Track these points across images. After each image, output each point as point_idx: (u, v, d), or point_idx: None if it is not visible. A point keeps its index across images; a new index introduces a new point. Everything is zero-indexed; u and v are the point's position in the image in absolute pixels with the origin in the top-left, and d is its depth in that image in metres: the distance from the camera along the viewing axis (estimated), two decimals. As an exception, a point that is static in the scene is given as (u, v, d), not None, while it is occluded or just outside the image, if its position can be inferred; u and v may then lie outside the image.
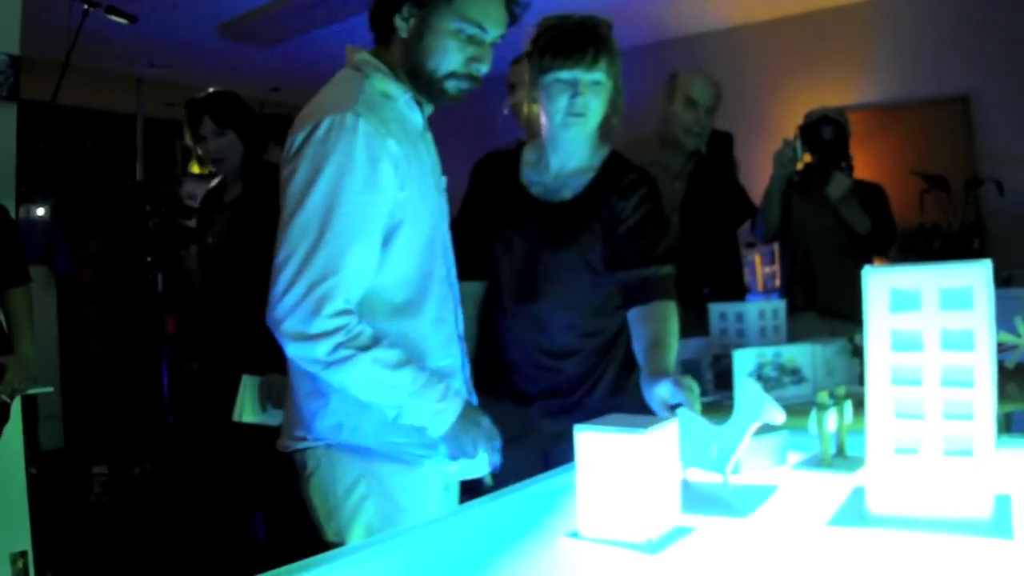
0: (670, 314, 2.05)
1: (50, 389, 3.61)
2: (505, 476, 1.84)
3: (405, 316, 1.74)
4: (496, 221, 2.21)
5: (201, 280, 3.33)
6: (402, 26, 1.73)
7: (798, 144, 3.55)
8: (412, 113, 1.78)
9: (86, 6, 3.94)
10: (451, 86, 1.75)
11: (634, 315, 2.08)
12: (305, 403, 1.77)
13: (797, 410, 1.80)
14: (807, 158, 3.67)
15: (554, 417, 2.18)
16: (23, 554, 3.47)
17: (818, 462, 1.70)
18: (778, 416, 1.44)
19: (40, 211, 5.42)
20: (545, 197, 2.19)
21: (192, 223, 6.41)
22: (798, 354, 2.51)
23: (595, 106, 2.09)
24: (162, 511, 5.01)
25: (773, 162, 3.56)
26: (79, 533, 4.41)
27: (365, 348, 1.60)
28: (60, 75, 3.92)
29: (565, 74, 2.05)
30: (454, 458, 1.73)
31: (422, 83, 1.75)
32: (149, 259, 5.21)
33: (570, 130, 2.12)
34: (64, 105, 4.15)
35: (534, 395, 2.22)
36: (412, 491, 1.76)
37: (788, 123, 4.25)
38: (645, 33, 6.69)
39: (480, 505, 1.57)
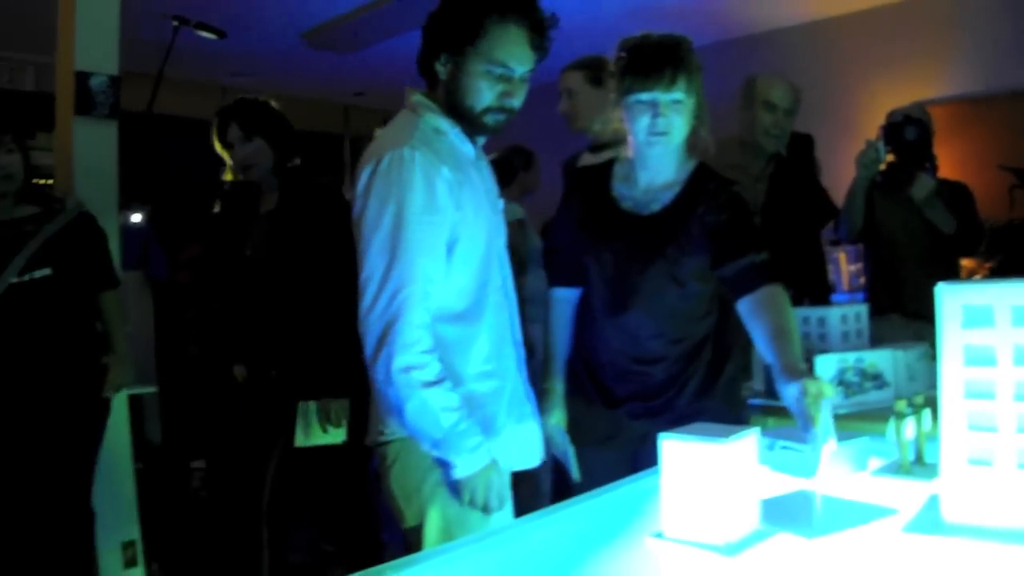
0: (782, 299, 2.09)
1: (153, 389, 3.79)
2: (595, 475, 2.00)
3: (464, 323, 1.93)
4: (588, 234, 2.29)
5: (240, 292, 3.26)
6: (441, 71, 1.95)
7: (880, 145, 3.54)
8: (463, 144, 1.99)
9: (176, 23, 4.11)
10: (488, 120, 1.95)
11: (745, 307, 2.11)
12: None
13: (879, 415, 1.85)
14: (890, 158, 3.66)
15: (642, 419, 2.24)
16: (132, 543, 3.67)
17: (896, 469, 1.74)
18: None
19: (136, 218, 5.61)
20: (634, 211, 2.25)
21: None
22: (880, 359, 2.53)
23: (677, 124, 2.14)
24: (257, 502, 5.20)
25: (856, 164, 3.56)
26: (180, 524, 4.61)
27: (428, 384, 1.80)
28: (154, 88, 4.11)
29: (645, 95, 2.11)
30: (464, 501, 1.87)
31: (464, 119, 1.96)
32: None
33: (654, 148, 2.18)
34: (156, 114, 4.33)
35: (623, 398, 2.28)
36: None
37: (870, 121, 4.24)
38: (721, 31, 6.68)
39: (571, 506, 1.67)
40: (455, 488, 1.86)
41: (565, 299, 2.35)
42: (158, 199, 6.42)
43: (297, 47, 7.04)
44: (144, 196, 5.76)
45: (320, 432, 3.02)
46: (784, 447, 1.79)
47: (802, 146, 3.73)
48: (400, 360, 1.78)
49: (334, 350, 2.95)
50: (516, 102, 1.96)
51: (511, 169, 4.62)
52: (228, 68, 7.61)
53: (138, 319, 4.46)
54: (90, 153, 3.50)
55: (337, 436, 3.03)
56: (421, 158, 1.83)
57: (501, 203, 2.13)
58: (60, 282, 3.06)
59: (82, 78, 3.48)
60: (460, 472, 1.83)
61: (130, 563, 3.69)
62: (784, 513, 1.51)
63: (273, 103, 3.30)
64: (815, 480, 1.61)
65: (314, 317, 3.00)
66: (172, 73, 4.45)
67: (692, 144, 2.24)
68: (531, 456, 2.04)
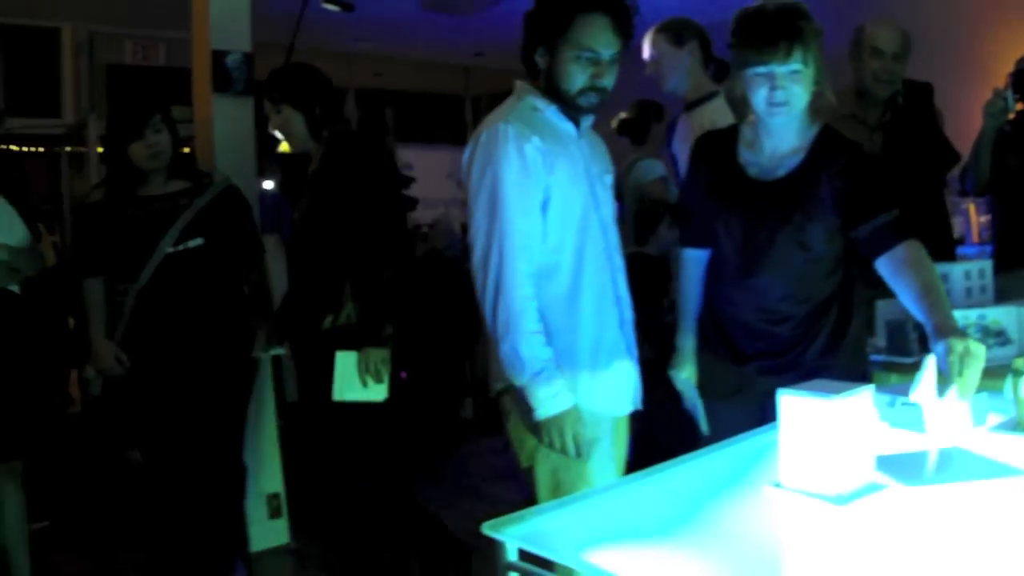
0: (922, 255, 2.12)
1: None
2: (724, 428, 2.10)
3: (564, 279, 2.18)
4: (716, 200, 2.35)
5: (289, 256, 3.35)
6: (539, 61, 2.21)
7: (1009, 94, 3.43)
8: (561, 122, 2.24)
9: (305, -4, 4.27)
10: (583, 101, 2.19)
11: (884, 266, 2.15)
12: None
13: (1001, 372, 1.85)
14: (1020, 107, 3.55)
15: (769, 375, 2.28)
16: (276, 495, 3.90)
17: (1014, 426, 1.76)
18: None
19: (268, 184, 5.85)
20: (760, 177, 2.29)
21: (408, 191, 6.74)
22: (1003, 316, 2.50)
23: (796, 92, 2.16)
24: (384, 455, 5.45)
25: (983, 113, 3.48)
26: (314, 478, 4.85)
27: (522, 330, 2.06)
28: (286, 59, 4.27)
29: (761, 68, 2.14)
30: (544, 443, 2.11)
31: (562, 101, 2.21)
32: None
33: (775, 118, 2.21)
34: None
35: (751, 354, 2.35)
36: (590, 428, 2.14)
37: (999, 69, 4.10)
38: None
39: (699, 456, 1.77)
40: (535, 430, 2.08)
41: (696, 259, 2.44)
42: (288, 164, 6.67)
43: (417, 11, 7.18)
44: (275, 162, 6.00)
45: (359, 387, 2.97)
46: (904, 404, 1.82)
47: (920, 94, 3.66)
48: (502, 307, 2.07)
49: (372, 301, 2.96)
50: (607, 82, 2.18)
51: (644, 126, 4.62)
52: (352, 35, 7.80)
53: (275, 282, 4.68)
54: (228, 128, 3.70)
55: (378, 393, 2.99)
56: (514, 130, 2.11)
57: (609, 178, 2.35)
58: (211, 251, 3.26)
59: (218, 56, 3.68)
60: (539, 414, 2.07)
61: (274, 514, 3.93)
62: (899, 467, 1.56)
63: (312, 67, 3.24)
64: (931, 435, 1.64)
65: (352, 270, 2.99)
66: (298, 42, 4.60)
67: (816, 108, 2.26)
68: (625, 404, 2.30)
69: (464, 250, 6.78)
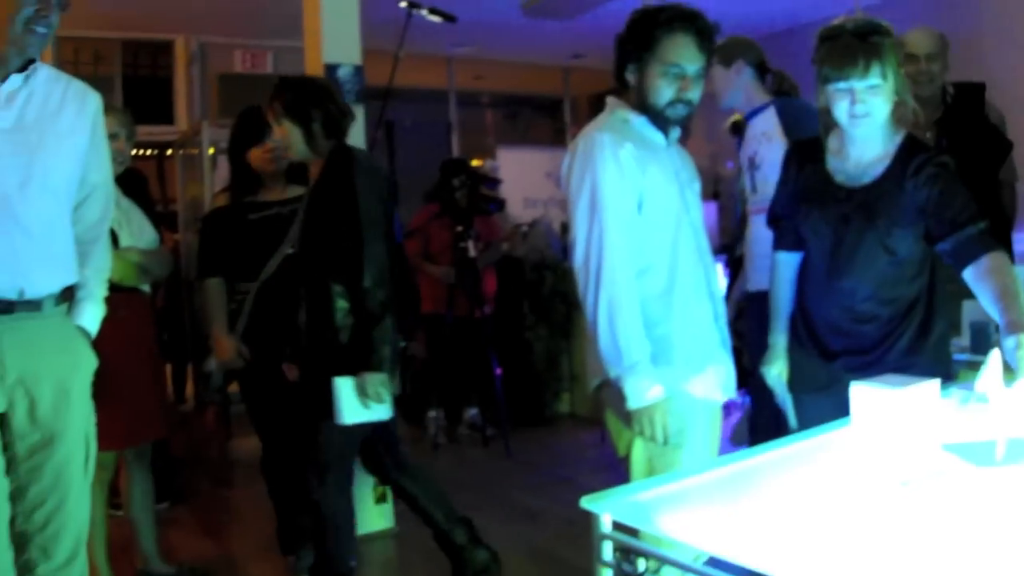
0: (1006, 264, 2.23)
1: (402, 344, 4.18)
2: (812, 422, 2.19)
3: (659, 276, 2.33)
4: (806, 205, 2.47)
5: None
6: (630, 78, 2.39)
7: None
8: (651, 132, 2.40)
9: (410, 8, 4.44)
10: (670, 113, 2.36)
11: (969, 275, 2.26)
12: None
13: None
14: None
15: (855, 372, 2.36)
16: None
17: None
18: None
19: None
20: (847, 184, 2.41)
21: (497, 193, 6.90)
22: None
23: (876, 104, 2.27)
24: (488, 448, 5.65)
25: None
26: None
27: (620, 322, 2.22)
28: (392, 66, 4.45)
29: (842, 84, 2.26)
30: (635, 431, 2.27)
31: (651, 115, 2.37)
32: (459, 228, 5.63)
33: (858, 129, 2.33)
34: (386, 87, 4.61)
35: (838, 352, 2.46)
36: (682, 416, 2.30)
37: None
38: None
39: (784, 442, 1.91)
40: (627, 418, 2.23)
41: (788, 262, 2.58)
42: (392, 167, 6.90)
43: (517, 16, 7.35)
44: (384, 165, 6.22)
45: (360, 409, 2.96)
46: (977, 398, 1.91)
47: (972, 92, 3.76)
48: (602, 303, 2.23)
49: (365, 325, 2.93)
50: (693, 95, 2.35)
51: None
52: (453, 40, 8.00)
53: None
54: (341, 137, 3.90)
55: (383, 412, 2.99)
56: (608, 138, 2.30)
57: (697, 186, 2.52)
58: None
59: (330, 69, 3.91)
60: (631, 404, 2.23)
61: (380, 500, 4.14)
62: (968, 453, 1.65)
63: (318, 82, 3.25)
64: (997, 424, 1.73)
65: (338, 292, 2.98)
66: (395, 47, 4.70)
67: (899, 116, 2.36)
68: (719, 393, 2.44)
69: (563, 249, 6.94)
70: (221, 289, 3.53)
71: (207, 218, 3.72)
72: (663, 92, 2.32)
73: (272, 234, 3.46)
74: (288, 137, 3.06)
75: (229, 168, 3.70)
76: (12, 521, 2.26)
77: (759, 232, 3.23)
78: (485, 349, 5.63)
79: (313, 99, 3.06)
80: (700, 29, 2.31)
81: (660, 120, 2.38)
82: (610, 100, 2.45)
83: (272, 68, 7.87)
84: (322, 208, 2.99)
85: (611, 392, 2.32)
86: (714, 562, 1.34)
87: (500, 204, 6.82)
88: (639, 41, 2.33)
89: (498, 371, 5.57)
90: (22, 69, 2.24)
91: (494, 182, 6.98)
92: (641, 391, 2.22)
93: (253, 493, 3.19)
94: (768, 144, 3.43)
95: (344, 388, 2.94)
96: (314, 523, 3.15)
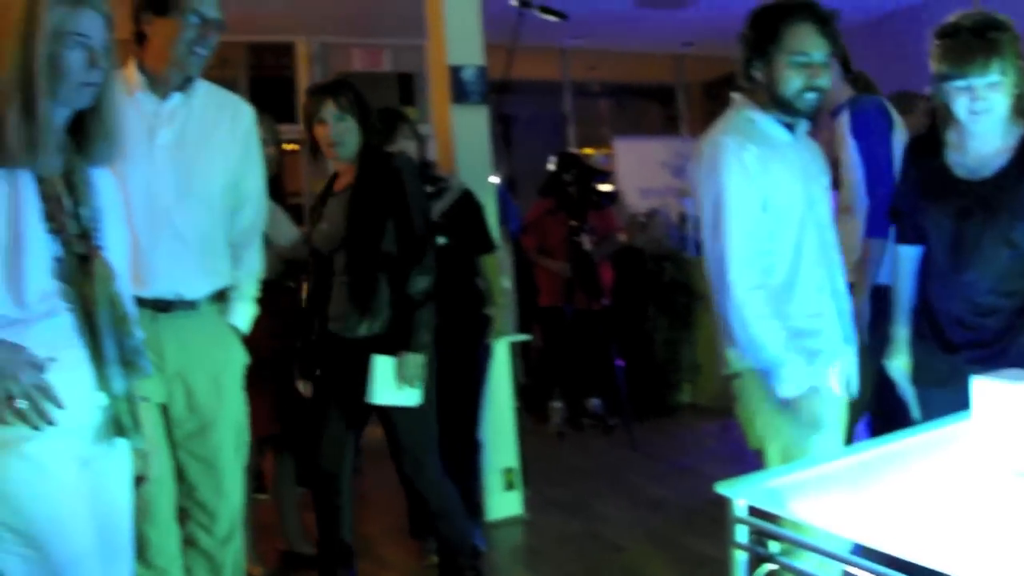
0: None
1: (529, 337, 4.30)
2: (934, 415, 2.20)
3: (787, 271, 2.36)
4: (926, 200, 2.48)
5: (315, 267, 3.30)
6: (758, 74, 2.40)
7: None
8: (776, 131, 2.42)
9: (521, 6, 4.53)
10: (801, 103, 2.37)
11: None
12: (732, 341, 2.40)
13: None
14: None
15: (977, 365, 2.36)
16: (511, 470, 4.23)
17: None
18: None
19: (493, 178, 6.21)
20: (967, 177, 2.40)
21: (609, 187, 6.92)
22: None
23: (996, 100, 2.27)
24: (611, 438, 5.73)
25: None
26: (542, 456, 5.18)
27: (756, 316, 2.27)
28: (507, 61, 4.54)
29: (960, 82, 2.26)
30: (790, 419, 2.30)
31: (783, 107, 2.39)
32: (573, 223, 5.67)
33: (977, 125, 2.33)
34: (501, 80, 4.70)
35: (960, 345, 2.46)
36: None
37: None
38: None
39: (907, 435, 1.93)
40: (783, 406, 2.27)
41: (909, 256, 2.59)
42: (510, 158, 6.98)
43: (629, 7, 7.38)
44: (500, 157, 6.31)
45: (394, 391, 3.04)
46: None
47: None
48: (733, 297, 2.28)
49: (406, 309, 3.04)
50: (822, 82, 2.36)
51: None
52: (566, 33, 8.06)
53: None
54: (466, 136, 4.03)
55: (412, 397, 3.06)
56: (732, 142, 2.33)
57: (825, 180, 2.54)
58: (452, 249, 3.63)
59: (455, 71, 4.03)
60: (785, 393, 2.27)
61: (509, 486, 4.26)
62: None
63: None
64: None
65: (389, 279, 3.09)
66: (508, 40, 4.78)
67: (1019, 109, 2.34)
68: (844, 389, 2.46)
69: (682, 239, 6.93)
70: None
71: None
72: (792, 82, 2.34)
73: None
74: (348, 134, 3.10)
75: None
76: (176, 499, 2.49)
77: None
78: (605, 341, 5.70)
79: (366, 102, 3.18)
80: (820, 17, 2.34)
81: (791, 111, 2.39)
82: (736, 98, 2.48)
83: (391, 66, 8.06)
84: (372, 201, 3.08)
85: (743, 384, 2.37)
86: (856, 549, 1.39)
87: (612, 197, 6.86)
88: (762, 36, 2.36)
89: (619, 362, 5.62)
90: (182, 87, 2.43)
91: (604, 175, 7.01)
92: (793, 381, 2.27)
93: (383, 479, 3.34)
94: (842, 145, 3.39)
95: (381, 367, 3.02)
96: (430, 511, 3.28)
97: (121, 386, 1.92)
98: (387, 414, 3.13)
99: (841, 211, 3.19)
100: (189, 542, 2.54)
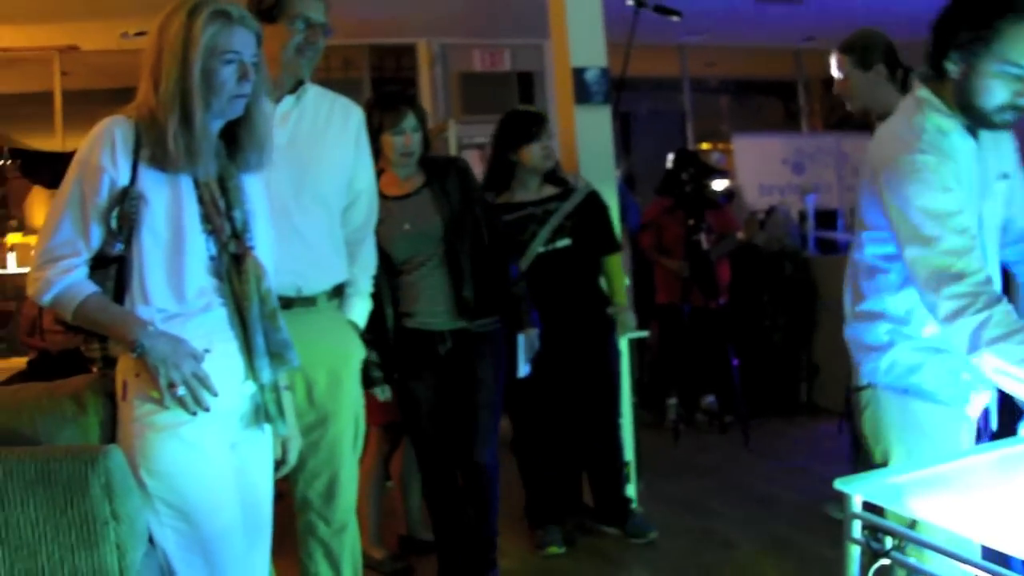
0: None
1: (646, 333, 4.34)
2: None
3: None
4: None
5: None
6: (953, 69, 2.03)
7: None
8: (964, 141, 2.10)
9: (637, 6, 4.57)
10: (998, 119, 2.04)
11: None
12: (865, 354, 2.26)
13: None
14: None
15: None
16: (627, 463, 4.28)
17: None
18: None
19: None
20: None
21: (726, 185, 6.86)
22: None
23: None
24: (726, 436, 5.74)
25: None
26: (658, 451, 5.23)
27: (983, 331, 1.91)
28: (624, 60, 4.59)
29: None
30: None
31: (974, 116, 2.06)
32: (691, 222, 5.66)
33: None
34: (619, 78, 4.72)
35: None
36: (940, 425, 2.16)
37: None
38: None
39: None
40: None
41: None
42: (629, 156, 7.00)
43: (747, 3, 7.33)
44: (621, 153, 6.35)
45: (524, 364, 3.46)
46: None
47: None
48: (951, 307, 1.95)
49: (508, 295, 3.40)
50: None
51: None
52: (685, 29, 8.03)
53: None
54: (590, 136, 4.08)
55: (526, 369, 3.50)
56: (932, 160, 2.01)
57: (1004, 183, 2.20)
58: (576, 250, 3.74)
59: (578, 73, 4.11)
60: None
61: (626, 480, 4.31)
62: None
63: None
64: None
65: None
66: (635, 38, 4.79)
67: None
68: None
69: (802, 237, 6.85)
70: None
71: None
72: (995, 94, 1.99)
73: (526, 232, 3.72)
74: (420, 144, 3.24)
75: (486, 166, 3.92)
76: (295, 487, 2.61)
77: None
78: (721, 339, 5.70)
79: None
80: None
81: (984, 124, 2.08)
82: (922, 94, 2.12)
83: (510, 65, 8.18)
84: (455, 200, 3.27)
85: (870, 396, 2.26)
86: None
87: (729, 196, 6.82)
88: (975, 29, 1.97)
89: (735, 361, 5.62)
90: (293, 90, 2.55)
91: (721, 173, 6.98)
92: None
93: (501, 471, 3.44)
94: None
95: (527, 342, 3.43)
96: (486, 485, 3.40)
97: (268, 376, 2.07)
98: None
99: None
100: (308, 531, 2.64)
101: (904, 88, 3.38)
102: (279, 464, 2.22)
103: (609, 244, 3.91)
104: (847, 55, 3.28)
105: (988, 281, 1.95)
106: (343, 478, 2.64)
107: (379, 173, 3.13)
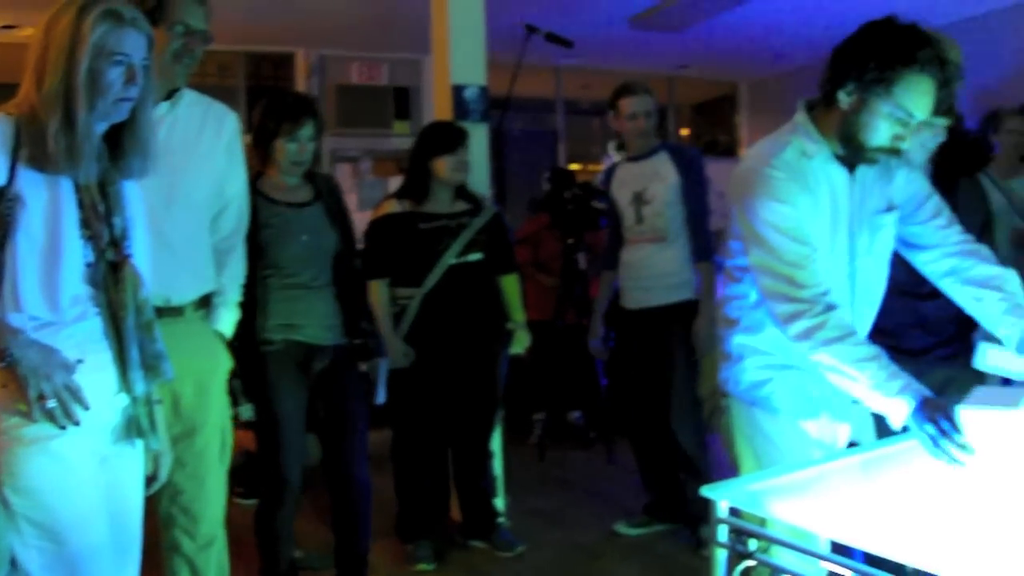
0: None
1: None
2: None
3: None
4: None
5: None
6: (844, 99, 2.10)
7: None
8: (831, 167, 2.19)
9: (528, 31, 4.66)
10: (874, 156, 2.14)
11: None
12: (723, 361, 2.42)
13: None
14: None
15: None
16: (495, 477, 4.32)
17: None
18: None
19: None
20: None
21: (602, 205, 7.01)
22: None
23: None
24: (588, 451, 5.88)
25: None
26: (524, 466, 5.32)
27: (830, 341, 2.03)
28: (511, 82, 4.68)
29: None
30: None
31: (852, 148, 2.14)
32: (570, 241, 5.68)
33: None
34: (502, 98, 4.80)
35: None
36: (787, 438, 2.28)
37: None
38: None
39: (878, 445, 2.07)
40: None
41: None
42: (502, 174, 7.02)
43: (623, 29, 7.51)
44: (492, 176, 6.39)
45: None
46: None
47: None
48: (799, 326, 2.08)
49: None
50: (906, 145, 2.11)
51: None
52: (562, 52, 8.17)
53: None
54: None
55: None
56: (776, 181, 2.12)
57: (888, 217, 2.27)
58: (485, 265, 3.83)
59: (458, 90, 4.18)
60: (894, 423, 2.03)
61: (493, 493, 4.36)
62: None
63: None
64: None
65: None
66: (510, 58, 4.82)
67: None
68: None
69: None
70: (386, 291, 3.81)
71: (378, 222, 3.88)
72: (880, 134, 2.08)
73: (438, 243, 3.76)
74: (312, 155, 3.22)
75: (405, 175, 3.93)
76: (159, 503, 2.55)
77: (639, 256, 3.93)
78: (591, 357, 5.79)
79: None
80: (945, 81, 2.08)
81: (859, 158, 2.16)
82: (798, 118, 2.22)
83: (388, 80, 8.18)
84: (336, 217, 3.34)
85: (726, 404, 2.42)
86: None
87: (608, 216, 6.93)
88: (879, 70, 2.03)
89: (604, 380, 5.75)
90: (168, 97, 2.51)
91: (604, 195, 7.10)
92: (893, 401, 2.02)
93: (373, 484, 3.43)
94: (661, 182, 3.82)
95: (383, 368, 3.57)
96: (359, 501, 3.40)
97: (142, 388, 2.02)
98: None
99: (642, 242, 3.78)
100: (173, 548, 2.58)
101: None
102: (150, 480, 2.17)
103: (510, 263, 4.01)
104: None
105: (825, 293, 2.07)
106: (209, 491, 2.60)
107: (257, 175, 3.14)
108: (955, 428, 1.84)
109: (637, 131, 4.03)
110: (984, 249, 2.29)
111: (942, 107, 2.10)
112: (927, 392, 1.94)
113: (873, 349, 2.01)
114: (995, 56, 5.16)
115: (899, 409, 1.94)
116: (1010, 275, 2.22)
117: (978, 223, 2.81)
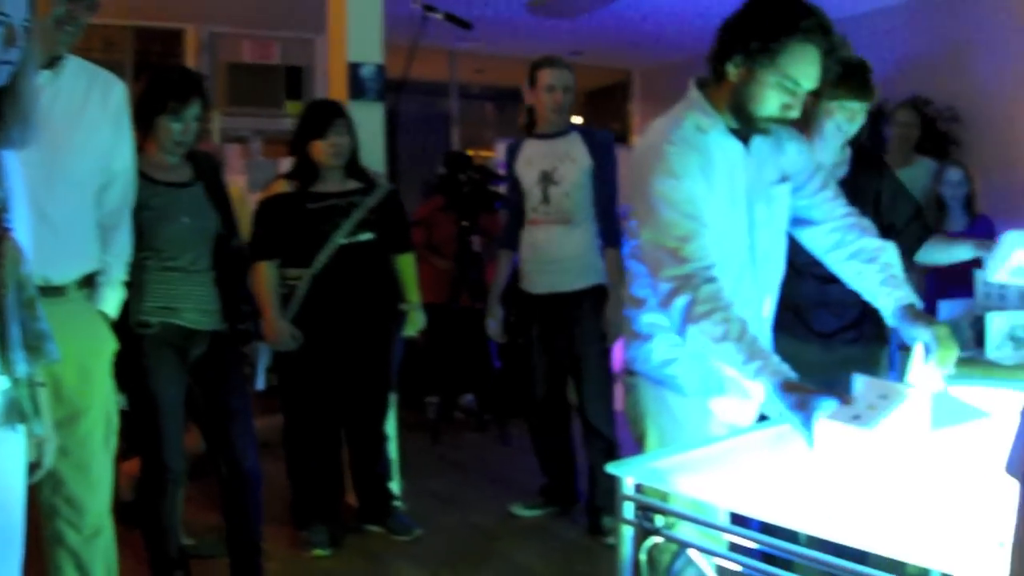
0: None
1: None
2: None
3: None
4: None
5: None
6: (732, 72, 2.13)
7: None
8: (725, 140, 2.21)
9: (426, 11, 4.61)
10: (763, 125, 2.17)
11: None
12: (630, 340, 2.40)
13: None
14: None
15: None
16: (390, 461, 4.27)
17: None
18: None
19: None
20: None
21: (501, 189, 7.06)
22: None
23: None
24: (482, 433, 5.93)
25: None
26: (418, 449, 5.31)
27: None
28: (407, 63, 4.62)
29: None
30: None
31: (743, 120, 2.17)
32: (465, 223, 5.75)
33: None
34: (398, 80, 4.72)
35: None
36: (691, 416, 2.29)
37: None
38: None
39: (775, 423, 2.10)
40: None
41: None
42: (394, 160, 6.94)
43: (520, 13, 7.52)
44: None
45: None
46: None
47: None
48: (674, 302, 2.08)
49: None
50: (795, 113, 2.14)
51: None
52: (456, 34, 8.12)
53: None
54: (361, 133, 3.98)
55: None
56: (675, 151, 2.13)
57: (783, 187, 2.30)
58: (377, 245, 3.76)
59: (354, 68, 4.12)
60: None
61: (389, 477, 4.32)
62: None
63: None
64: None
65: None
66: (403, 39, 4.71)
67: None
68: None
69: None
70: (274, 273, 3.72)
71: (267, 202, 3.79)
72: (768, 104, 2.11)
73: (328, 223, 3.68)
74: (195, 135, 3.09)
75: (293, 157, 3.84)
76: (41, 493, 2.42)
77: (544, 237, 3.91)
78: (484, 340, 5.79)
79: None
80: (831, 49, 2.09)
81: (751, 128, 2.19)
82: (692, 94, 2.24)
83: (280, 59, 8.01)
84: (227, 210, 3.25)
85: (631, 383, 2.39)
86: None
87: (503, 200, 6.95)
88: (764, 40, 2.06)
89: (497, 363, 5.77)
90: (50, 65, 2.37)
91: (500, 179, 7.13)
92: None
93: (265, 470, 3.36)
94: (572, 164, 3.83)
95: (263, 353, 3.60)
96: (249, 491, 3.29)
97: (24, 370, 1.90)
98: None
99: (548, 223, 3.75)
100: (56, 540, 2.47)
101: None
102: (33, 467, 2.05)
103: (405, 242, 3.96)
104: None
105: (708, 267, 2.05)
106: (94, 480, 2.49)
107: (139, 150, 2.96)
108: (808, 424, 1.83)
109: (554, 105, 3.95)
110: (866, 221, 2.34)
111: (829, 75, 2.12)
112: (789, 374, 1.94)
113: (736, 327, 1.99)
114: (884, 52, 5.34)
115: (758, 390, 1.97)
116: (889, 247, 2.28)
117: (914, 207, 2.94)
